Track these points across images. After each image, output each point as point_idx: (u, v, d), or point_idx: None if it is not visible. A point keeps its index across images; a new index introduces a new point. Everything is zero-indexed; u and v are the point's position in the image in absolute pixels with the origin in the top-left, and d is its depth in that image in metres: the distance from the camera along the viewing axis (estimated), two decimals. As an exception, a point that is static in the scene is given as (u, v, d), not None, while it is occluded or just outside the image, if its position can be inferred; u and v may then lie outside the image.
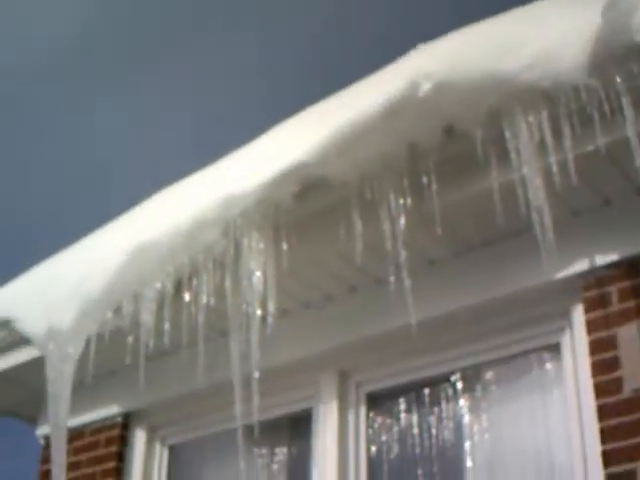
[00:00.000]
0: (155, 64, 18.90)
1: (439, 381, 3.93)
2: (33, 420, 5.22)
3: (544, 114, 3.14)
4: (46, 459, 4.86)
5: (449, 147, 3.37)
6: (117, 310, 3.96)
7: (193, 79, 18.70)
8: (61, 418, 4.03)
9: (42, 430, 5.02)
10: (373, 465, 3.99)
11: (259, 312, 3.67)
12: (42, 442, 5.06)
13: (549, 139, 3.13)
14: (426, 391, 3.97)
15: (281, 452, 4.35)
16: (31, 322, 4.28)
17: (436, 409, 3.94)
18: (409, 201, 3.40)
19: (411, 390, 4.01)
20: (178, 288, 3.83)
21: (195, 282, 3.79)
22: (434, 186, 3.37)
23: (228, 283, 3.72)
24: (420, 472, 3.87)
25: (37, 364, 4.46)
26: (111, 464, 4.69)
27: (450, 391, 3.91)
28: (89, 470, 4.74)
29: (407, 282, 3.38)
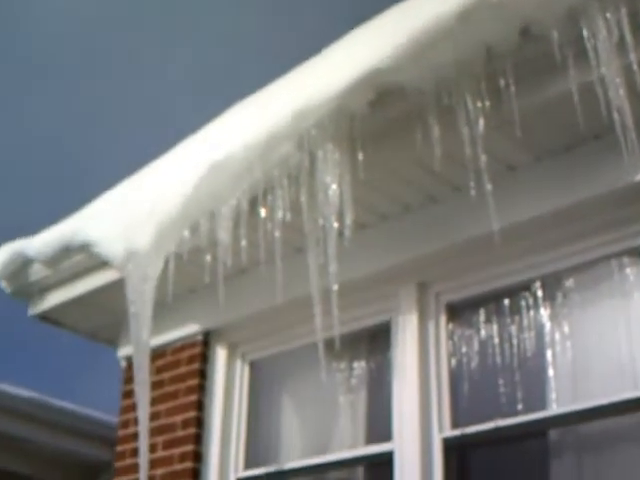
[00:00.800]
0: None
1: (519, 290, 3.89)
2: (113, 342, 5.30)
3: (623, 11, 3.04)
4: (128, 379, 4.95)
5: (526, 49, 3.28)
6: (194, 229, 3.96)
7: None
8: (143, 338, 4.06)
9: (123, 351, 5.10)
10: (454, 376, 3.97)
11: (336, 225, 3.63)
12: (123, 363, 5.14)
13: (629, 36, 3.03)
14: (506, 300, 3.93)
15: (360, 366, 4.36)
16: (109, 245, 4.30)
17: (516, 318, 3.90)
18: (487, 105, 3.32)
19: (491, 300, 3.97)
20: (253, 204, 3.81)
21: (270, 198, 3.76)
22: (512, 89, 3.28)
23: (304, 197, 3.69)
24: (501, 382, 3.84)
25: (116, 287, 4.52)
26: (193, 381, 4.74)
27: (530, 300, 3.87)
28: (171, 388, 4.80)
29: (488, 187, 3.32)
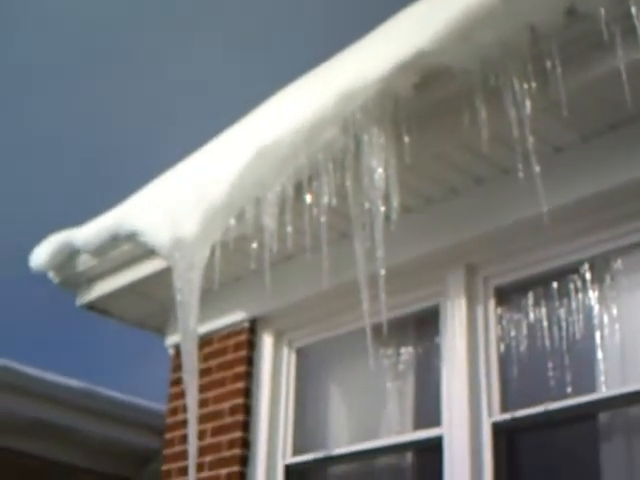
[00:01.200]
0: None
1: (567, 272, 3.86)
2: (160, 331, 5.34)
3: (672, -15, 2.99)
4: (176, 367, 4.98)
5: (572, 28, 3.24)
6: (240, 216, 3.97)
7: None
8: (191, 326, 4.08)
9: (171, 340, 5.14)
10: (503, 360, 3.95)
11: (382, 210, 3.62)
12: (171, 351, 5.18)
13: (678, 12, 2.98)
14: (554, 283, 3.90)
15: (407, 352, 4.35)
16: (155, 234, 4.32)
17: (565, 301, 3.87)
18: (533, 86, 3.29)
19: (539, 283, 3.94)
20: (299, 190, 3.80)
21: (316, 183, 3.75)
22: (558, 69, 3.25)
23: (349, 182, 3.68)
24: (550, 365, 3.82)
25: (163, 275, 4.55)
26: (240, 369, 4.76)
27: (579, 282, 3.83)
28: (219, 375, 4.83)
29: (536, 169, 3.29)
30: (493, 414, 3.85)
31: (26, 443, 7.74)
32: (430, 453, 4.03)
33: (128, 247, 4.83)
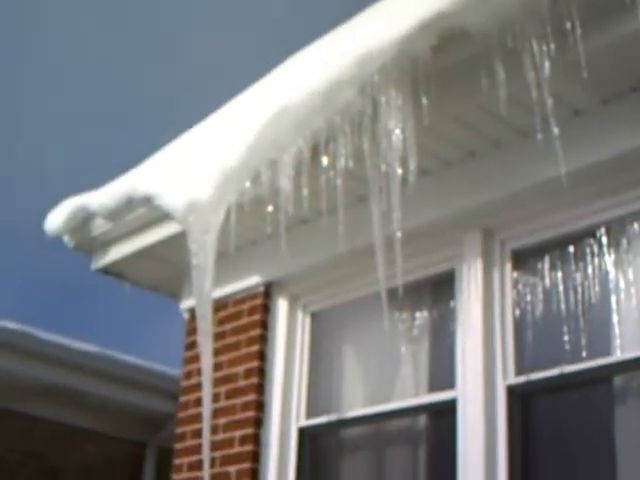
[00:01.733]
0: None
1: (584, 236, 3.86)
2: (175, 295, 5.36)
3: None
4: (191, 331, 5.01)
5: (593, -11, 3.22)
6: (255, 179, 3.97)
7: None
8: (205, 289, 4.08)
9: (186, 304, 5.16)
10: (519, 323, 3.96)
11: (399, 172, 3.62)
12: (186, 315, 5.20)
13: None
14: (571, 247, 3.90)
15: (422, 315, 4.36)
16: (170, 197, 4.31)
17: (581, 265, 3.87)
18: (552, 48, 3.28)
19: (556, 247, 3.95)
20: (315, 153, 3.80)
21: (332, 145, 3.75)
22: (578, 31, 3.24)
23: (366, 144, 3.68)
24: (566, 329, 3.83)
25: (178, 239, 4.57)
26: (255, 332, 4.79)
27: (595, 246, 3.84)
28: (233, 339, 4.86)
29: (555, 131, 3.28)
30: (508, 377, 3.86)
31: (41, 407, 7.81)
32: (444, 416, 4.05)
33: (143, 211, 4.85)
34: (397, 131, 3.56)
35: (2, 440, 7.57)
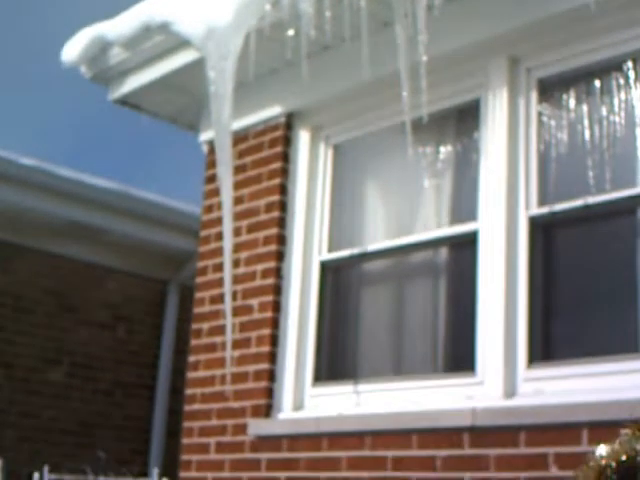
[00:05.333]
0: None
1: (610, 68, 3.90)
2: (194, 127, 5.46)
3: None
4: (210, 164, 5.15)
5: None
6: (276, 2, 4.01)
7: None
8: (225, 118, 4.18)
9: (205, 135, 5.28)
10: (543, 154, 4.05)
11: (425, -4, 3.64)
12: (205, 148, 5.32)
13: None
14: (597, 80, 3.95)
15: (445, 148, 4.45)
16: (188, 22, 4.38)
17: (607, 97, 3.93)
18: None
19: (582, 78, 4.01)
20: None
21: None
22: None
23: (391, -36, 3.68)
24: (591, 161, 3.91)
25: (197, 67, 4.65)
26: (276, 165, 4.92)
27: (621, 79, 3.87)
28: (254, 172, 4.98)
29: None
30: (530, 208, 3.98)
31: (62, 246, 8.00)
32: (465, 248, 4.20)
33: (160, 38, 4.92)
34: (423, -48, 3.56)
35: (21, 277, 7.77)
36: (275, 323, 4.72)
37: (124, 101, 5.44)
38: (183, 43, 4.75)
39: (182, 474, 4.90)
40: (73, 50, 5.26)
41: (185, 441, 4.94)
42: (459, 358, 4.19)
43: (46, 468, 5.76)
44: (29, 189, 7.46)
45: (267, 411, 4.61)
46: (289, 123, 4.93)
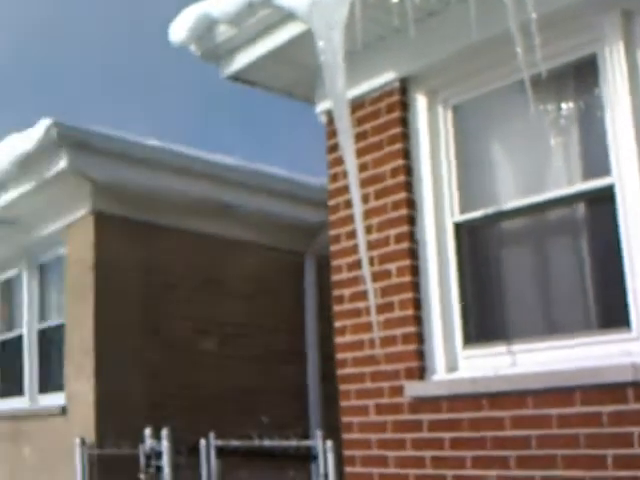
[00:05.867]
0: None
1: None
2: (309, 99, 5.42)
3: None
4: (330, 134, 5.12)
5: None
6: (378, -30, 3.89)
7: None
8: (339, 87, 4.14)
9: (321, 106, 5.25)
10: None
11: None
12: (323, 119, 5.28)
13: None
14: None
15: (567, 104, 4.34)
16: (291, -4, 4.31)
17: None
18: None
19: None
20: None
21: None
22: None
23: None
24: None
25: (305, 39, 4.64)
26: (395, 130, 4.88)
27: None
28: (375, 139, 4.96)
29: None
30: (666, 157, 3.88)
31: (203, 223, 8.20)
32: (601, 203, 4.10)
33: (264, 13, 4.90)
34: None
35: (166, 255, 7.99)
36: (415, 287, 4.71)
37: (236, 77, 5.43)
38: (287, 16, 4.73)
39: (345, 436, 4.98)
40: (180, 29, 5.27)
41: (344, 403, 5.02)
42: (612, 314, 4.11)
43: (212, 434, 5.93)
44: (164, 170, 7.67)
45: (420, 373, 4.64)
46: (404, 88, 4.87)
